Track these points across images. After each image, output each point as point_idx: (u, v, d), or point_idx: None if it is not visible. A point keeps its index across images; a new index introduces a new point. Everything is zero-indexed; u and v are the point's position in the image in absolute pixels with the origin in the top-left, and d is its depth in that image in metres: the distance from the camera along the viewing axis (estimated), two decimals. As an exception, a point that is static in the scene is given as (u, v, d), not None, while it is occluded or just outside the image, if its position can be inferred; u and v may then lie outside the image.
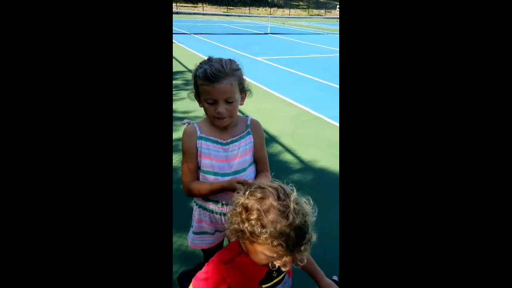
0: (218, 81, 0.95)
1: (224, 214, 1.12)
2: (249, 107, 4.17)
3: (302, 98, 4.58)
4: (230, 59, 1.03)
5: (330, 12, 32.47)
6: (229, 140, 1.08)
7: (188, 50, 8.23)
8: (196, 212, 1.20)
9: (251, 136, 1.12)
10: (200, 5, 29.94)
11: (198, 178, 1.11)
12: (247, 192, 0.76)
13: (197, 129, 1.08)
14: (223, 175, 1.08)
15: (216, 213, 1.15)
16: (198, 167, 1.10)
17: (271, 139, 3.23)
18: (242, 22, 20.35)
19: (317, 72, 6.39)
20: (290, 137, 3.29)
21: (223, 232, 1.22)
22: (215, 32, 13.13)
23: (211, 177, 1.08)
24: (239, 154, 1.09)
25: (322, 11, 34.11)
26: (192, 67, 1.08)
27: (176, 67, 6.07)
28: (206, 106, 1.01)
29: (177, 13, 24.66)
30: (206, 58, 1.03)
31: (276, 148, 3.03)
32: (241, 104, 1.07)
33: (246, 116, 1.17)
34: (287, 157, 2.87)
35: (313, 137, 3.35)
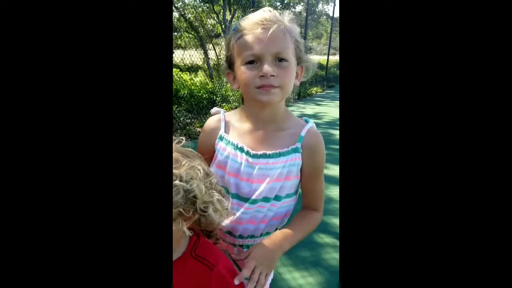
0: (265, 27, 0.60)
1: (241, 246, 0.79)
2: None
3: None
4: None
5: None
6: (260, 153, 0.68)
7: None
8: None
9: (299, 155, 0.68)
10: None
11: None
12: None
13: (223, 124, 0.73)
14: (242, 199, 0.71)
15: (234, 245, 0.79)
16: None
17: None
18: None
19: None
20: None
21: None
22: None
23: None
24: (270, 177, 0.68)
25: None
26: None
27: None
28: (243, 71, 0.63)
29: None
30: None
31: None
32: (296, 84, 0.68)
33: (306, 121, 0.72)
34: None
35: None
